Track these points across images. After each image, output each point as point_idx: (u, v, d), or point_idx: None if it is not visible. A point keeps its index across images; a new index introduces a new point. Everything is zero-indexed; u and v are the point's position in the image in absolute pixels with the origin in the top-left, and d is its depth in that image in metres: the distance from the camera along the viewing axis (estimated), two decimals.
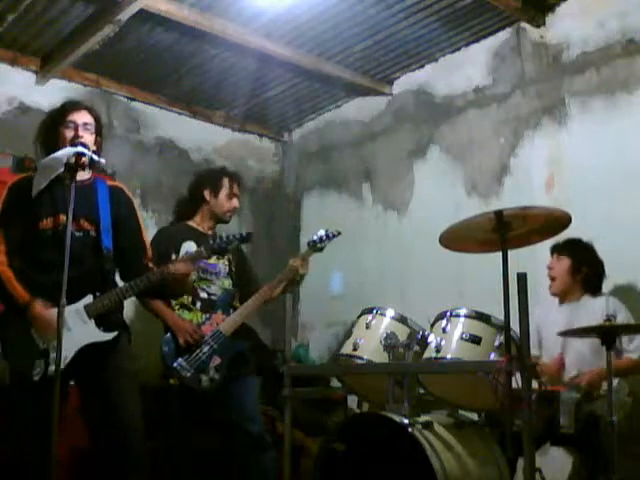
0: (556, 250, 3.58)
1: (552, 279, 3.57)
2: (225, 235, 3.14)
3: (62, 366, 2.53)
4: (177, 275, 2.88)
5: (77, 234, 2.78)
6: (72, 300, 2.64)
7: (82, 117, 2.88)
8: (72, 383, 2.80)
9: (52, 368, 2.59)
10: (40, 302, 2.70)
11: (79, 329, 2.69)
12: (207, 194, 3.74)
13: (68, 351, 2.62)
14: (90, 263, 2.80)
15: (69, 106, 2.92)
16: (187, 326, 3.49)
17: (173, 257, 3.48)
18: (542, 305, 3.59)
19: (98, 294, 2.78)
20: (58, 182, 2.80)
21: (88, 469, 2.54)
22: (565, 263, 3.53)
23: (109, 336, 2.76)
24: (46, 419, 2.43)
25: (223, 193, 3.74)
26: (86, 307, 2.75)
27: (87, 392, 2.79)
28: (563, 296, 3.57)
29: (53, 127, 2.87)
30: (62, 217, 2.76)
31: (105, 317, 2.78)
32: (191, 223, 3.76)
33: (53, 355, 2.60)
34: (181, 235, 3.67)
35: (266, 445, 3.49)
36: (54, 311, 2.59)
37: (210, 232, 3.73)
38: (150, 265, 2.96)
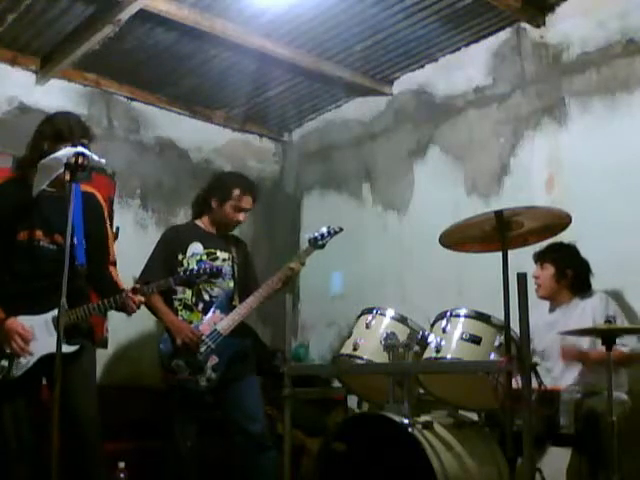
0: (539, 258, 3.55)
1: (538, 286, 3.55)
2: (196, 268, 3.26)
3: (22, 371, 2.72)
4: (136, 304, 2.93)
5: (51, 247, 2.84)
6: (42, 310, 2.74)
7: None
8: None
9: (14, 372, 2.73)
10: (12, 319, 2.76)
11: (44, 339, 2.73)
12: (214, 202, 3.74)
13: (30, 359, 2.75)
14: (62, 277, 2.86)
15: None
16: (185, 328, 3.49)
17: (179, 257, 3.63)
18: (535, 310, 3.53)
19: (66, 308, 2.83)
20: (38, 196, 2.80)
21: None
22: (549, 270, 3.51)
23: (71, 349, 2.80)
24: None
25: (229, 205, 3.71)
26: (54, 319, 2.77)
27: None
28: (552, 301, 3.55)
29: None
30: (37, 232, 2.82)
31: (70, 330, 2.78)
32: (199, 222, 3.82)
33: (17, 361, 2.74)
34: (188, 236, 3.72)
35: (267, 445, 3.49)
36: (24, 320, 2.74)
37: (215, 233, 3.76)
38: (111, 270, 3.05)
